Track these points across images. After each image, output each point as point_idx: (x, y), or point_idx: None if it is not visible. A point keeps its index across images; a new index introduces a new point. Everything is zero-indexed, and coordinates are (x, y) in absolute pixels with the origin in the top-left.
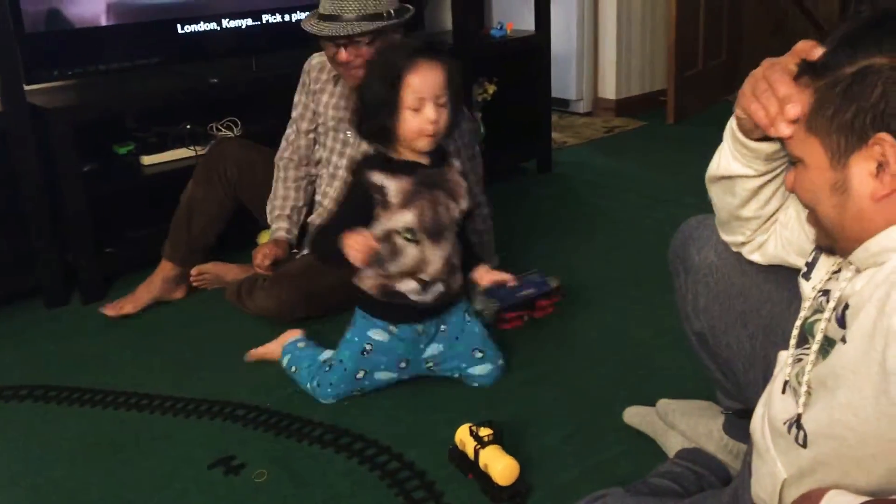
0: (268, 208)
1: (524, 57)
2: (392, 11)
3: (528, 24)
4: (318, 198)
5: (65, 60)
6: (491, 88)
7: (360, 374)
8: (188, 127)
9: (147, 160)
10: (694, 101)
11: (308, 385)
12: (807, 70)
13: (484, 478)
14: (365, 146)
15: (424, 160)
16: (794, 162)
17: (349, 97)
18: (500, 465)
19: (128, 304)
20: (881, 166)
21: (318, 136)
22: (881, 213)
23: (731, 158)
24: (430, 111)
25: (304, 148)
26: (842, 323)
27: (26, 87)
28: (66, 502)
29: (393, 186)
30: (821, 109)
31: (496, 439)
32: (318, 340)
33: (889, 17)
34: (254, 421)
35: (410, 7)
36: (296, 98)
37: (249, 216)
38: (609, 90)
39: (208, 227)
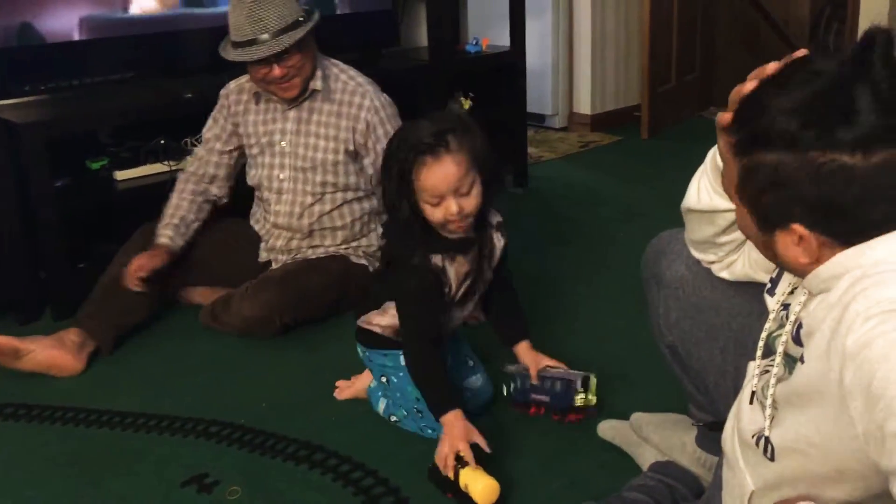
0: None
1: (499, 72)
2: (303, 15)
3: (503, 39)
4: (270, 218)
5: (37, 75)
6: (467, 104)
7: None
8: (162, 142)
9: (121, 175)
10: (668, 116)
11: (419, 430)
12: (732, 133)
13: (464, 497)
14: (309, 152)
15: (472, 233)
16: None
17: (276, 110)
18: (480, 485)
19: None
20: (801, 240)
21: (251, 159)
22: (810, 266)
23: (712, 192)
24: (451, 206)
25: (212, 166)
26: (798, 341)
27: None
28: None
29: (452, 272)
30: (746, 184)
31: (477, 459)
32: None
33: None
34: (227, 438)
35: (315, 8)
36: (209, 121)
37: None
38: (584, 105)
39: (132, 312)
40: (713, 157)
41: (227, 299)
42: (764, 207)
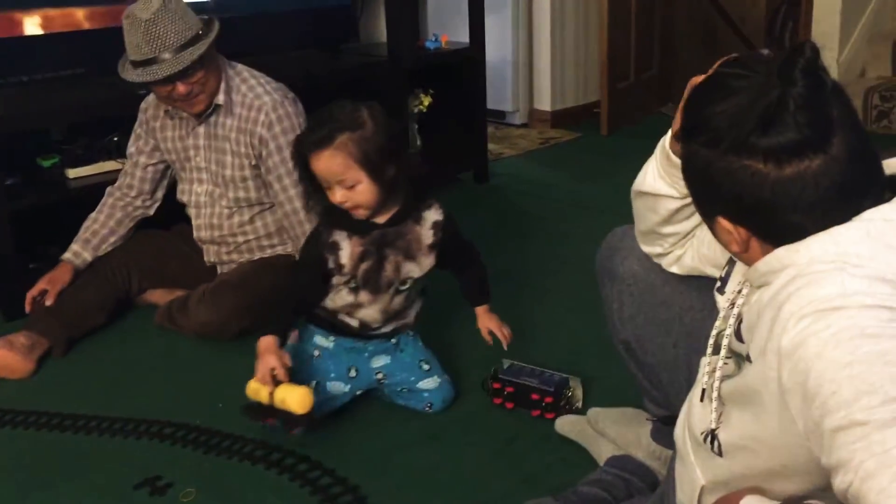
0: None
1: (459, 69)
2: (202, 28)
3: (462, 36)
4: (194, 234)
5: None
6: (426, 100)
7: (312, 384)
8: (115, 139)
9: (73, 173)
10: (627, 112)
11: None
12: (682, 122)
13: (282, 413)
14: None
15: (383, 219)
16: None
17: (188, 126)
18: (296, 394)
19: None
20: (729, 231)
21: (176, 173)
22: (750, 255)
23: (657, 176)
24: (336, 194)
25: (138, 180)
26: (739, 337)
27: None
28: None
29: (346, 250)
30: (684, 170)
31: (287, 378)
32: None
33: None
34: (182, 439)
35: (214, 18)
36: (132, 135)
37: None
38: (544, 102)
39: (88, 316)
40: (663, 142)
41: (183, 301)
42: (695, 195)
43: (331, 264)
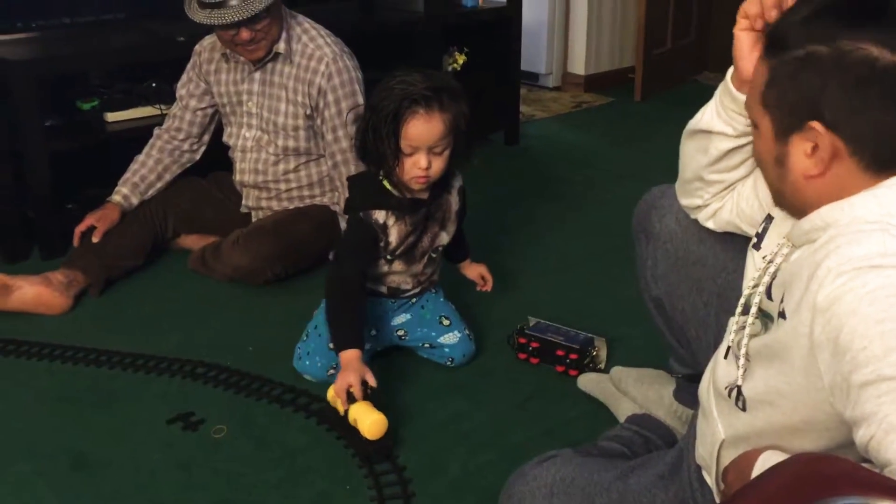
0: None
1: (495, 28)
2: None
3: None
4: (235, 177)
5: (29, 12)
6: (461, 59)
7: (331, 345)
8: (154, 85)
9: (111, 117)
10: (661, 79)
11: (295, 362)
12: (768, 39)
13: (353, 432)
14: (274, 117)
15: (425, 194)
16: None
17: (243, 70)
18: (368, 420)
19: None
20: (815, 148)
21: (223, 118)
22: (813, 190)
23: (714, 114)
24: (421, 160)
25: (187, 123)
26: (769, 295)
27: None
28: (23, 453)
29: (395, 230)
30: (772, 86)
31: (366, 396)
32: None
33: (849, 3)
34: (213, 379)
35: None
36: (184, 77)
37: None
38: (578, 65)
39: (126, 257)
40: (725, 80)
41: (217, 246)
42: (788, 105)
43: (381, 243)
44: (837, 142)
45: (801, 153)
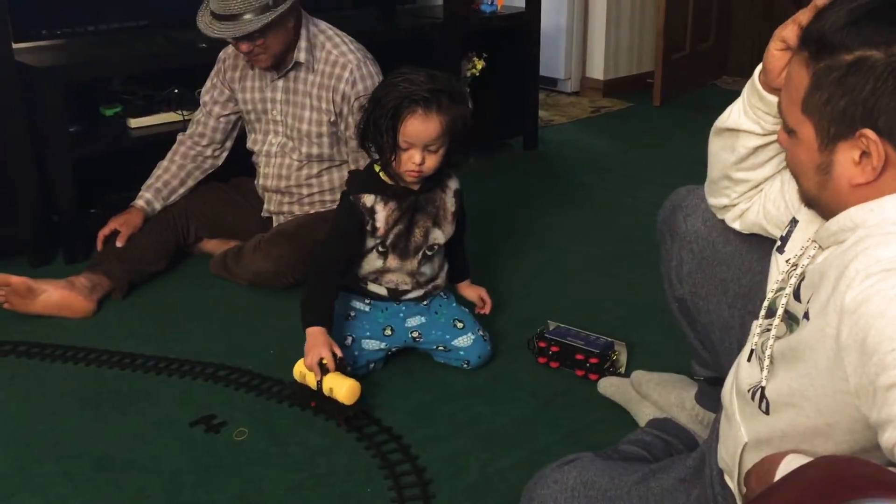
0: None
1: (513, 33)
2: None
3: (518, 0)
4: (258, 181)
5: (54, 19)
6: (480, 64)
7: (349, 341)
8: (176, 91)
9: (134, 123)
10: (680, 84)
11: None
12: (807, 44)
13: (328, 401)
14: (300, 124)
15: (416, 186)
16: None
17: (266, 78)
18: (344, 386)
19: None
20: (864, 155)
21: (248, 125)
22: (854, 197)
23: (741, 112)
24: (416, 156)
25: (210, 129)
26: (797, 297)
27: (14, 45)
28: (48, 455)
29: (382, 214)
30: (816, 92)
31: (337, 367)
32: None
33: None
34: (235, 382)
35: None
36: (207, 83)
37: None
38: (597, 70)
39: (149, 261)
40: (753, 79)
41: (238, 251)
42: (835, 111)
43: (367, 227)
44: (890, 150)
45: (850, 161)
